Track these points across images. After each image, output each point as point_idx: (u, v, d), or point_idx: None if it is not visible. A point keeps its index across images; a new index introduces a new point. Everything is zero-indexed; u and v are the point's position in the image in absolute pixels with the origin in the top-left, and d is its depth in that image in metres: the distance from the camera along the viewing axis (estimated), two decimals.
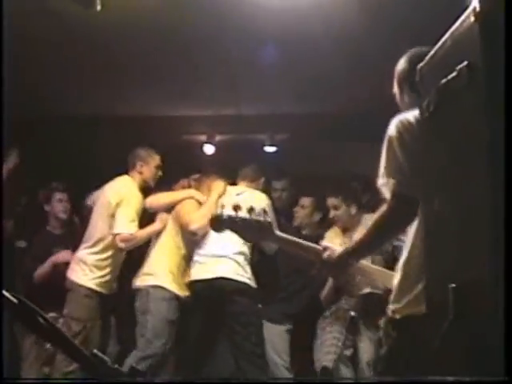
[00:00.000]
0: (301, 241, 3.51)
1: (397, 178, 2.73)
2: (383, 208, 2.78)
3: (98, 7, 4.03)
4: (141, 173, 6.15)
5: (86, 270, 5.93)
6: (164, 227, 6.07)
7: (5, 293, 1.21)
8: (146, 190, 6.22)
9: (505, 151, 1.78)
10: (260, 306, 5.94)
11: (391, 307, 2.91)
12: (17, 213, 6.85)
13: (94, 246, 5.97)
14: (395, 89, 3.18)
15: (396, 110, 3.01)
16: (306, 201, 6.52)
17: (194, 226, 5.79)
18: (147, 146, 6.33)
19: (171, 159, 6.46)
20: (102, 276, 5.94)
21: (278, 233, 3.46)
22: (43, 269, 6.26)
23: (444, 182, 2.19)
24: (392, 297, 2.92)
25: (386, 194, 2.79)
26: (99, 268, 5.94)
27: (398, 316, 2.86)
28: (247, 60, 6.06)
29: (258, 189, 6.27)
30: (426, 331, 2.27)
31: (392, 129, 2.78)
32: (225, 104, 7.56)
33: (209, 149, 8.21)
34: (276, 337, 6.15)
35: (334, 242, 5.08)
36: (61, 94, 7.02)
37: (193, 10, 5.26)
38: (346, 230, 5.90)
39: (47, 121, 7.57)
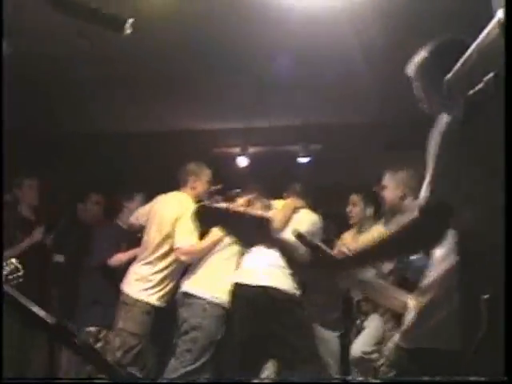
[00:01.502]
0: (302, 245, 2.88)
1: (433, 187, 2.51)
2: (412, 214, 2.54)
3: (128, 31, 4.07)
4: (194, 188, 6.05)
5: (146, 284, 5.92)
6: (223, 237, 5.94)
7: (41, 312, 1.25)
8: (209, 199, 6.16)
9: None
10: (307, 312, 5.93)
11: (405, 334, 2.75)
12: (56, 228, 6.95)
13: (152, 260, 5.96)
14: (416, 82, 3.00)
15: (428, 122, 2.95)
16: (355, 198, 6.48)
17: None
18: (199, 161, 6.22)
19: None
20: (161, 290, 5.92)
21: (277, 235, 2.93)
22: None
23: (477, 195, 2.15)
24: (407, 321, 2.75)
25: (420, 202, 2.57)
26: (158, 282, 5.93)
27: (411, 346, 2.70)
28: (278, 71, 6.09)
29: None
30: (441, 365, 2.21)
31: (430, 140, 2.68)
32: (257, 116, 7.59)
33: (242, 161, 8.23)
34: (329, 341, 6.24)
35: (348, 243, 5.13)
36: (92, 112, 7.13)
37: (220, 27, 5.31)
38: (360, 233, 5.99)
39: (83, 138, 7.69)
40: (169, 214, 5.95)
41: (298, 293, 5.73)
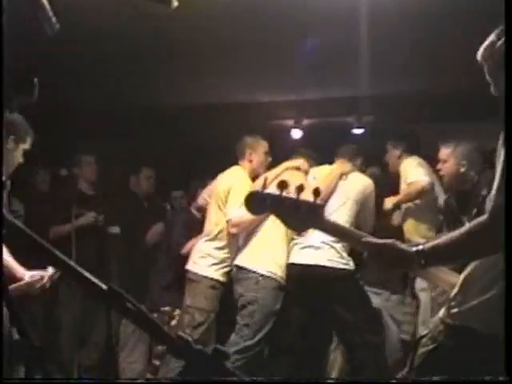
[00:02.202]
0: (354, 230, 2.93)
1: (503, 192, 2.38)
2: (482, 218, 2.43)
3: (175, 3, 4.09)
4: (251, 161, 6.06)
5: (210, 261, 6.00)
6: None
7: (94, 279, 1.29)
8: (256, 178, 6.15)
9: None
10: (363, 283, 5.94)
11: (449, 310, 2.73)
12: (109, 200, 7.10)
13: (213, 237, 6.03)
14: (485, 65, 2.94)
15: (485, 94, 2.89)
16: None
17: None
18: (254, 134, 6.21)
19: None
20: (225, 265, 6.00)
21: (329, 219, 2.84)
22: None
23: None
24: (453, 298, 2.73)
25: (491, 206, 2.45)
26: (221, 258, 6.00)
27: (455, 322, 2.70)
28: (331, 43, 6.07)
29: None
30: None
31: (499, 141, 2.56)
32: (310, 88, 7.57)
33: (296, 133, 8.23)
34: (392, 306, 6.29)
35: None
36: (151, 86, 7.21)
37: None
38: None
39: (142, 112, 7.78)
40: (222, 187, 5.98)
41: (352, 267, 5.67)
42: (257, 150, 6.10)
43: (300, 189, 2.65)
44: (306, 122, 8.29)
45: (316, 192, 2.69)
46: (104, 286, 1.29)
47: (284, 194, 2.65)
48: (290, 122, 8.31)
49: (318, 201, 2.67)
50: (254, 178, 6.05)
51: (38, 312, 6.52)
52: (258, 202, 2.71)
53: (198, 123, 8.17)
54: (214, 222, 6.04)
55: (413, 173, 6.38)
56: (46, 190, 7.45)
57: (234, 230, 5.86)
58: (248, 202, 2.73)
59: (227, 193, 5.89)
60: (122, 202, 7.20)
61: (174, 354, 1.34)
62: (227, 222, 5.87)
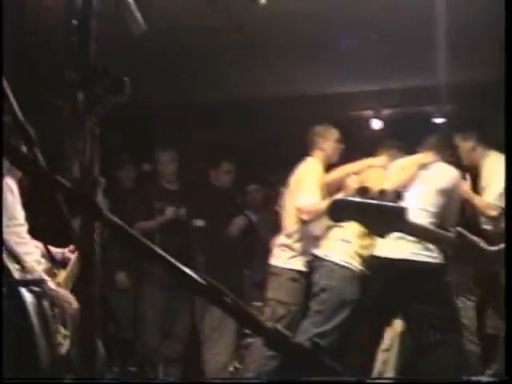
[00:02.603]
0: (437, 231, 2.92)
1: None
2: None
3: (263, 0, 4.08)
4: (322, 149, 6.06)
5: (290, 253, 6.02)
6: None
7: (193, 274, 1.31)
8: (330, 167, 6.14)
9: None
10: (449, 279, 5.82)
11: None
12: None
13: (291, 230, 6.04)
14: None
15: None
16: None
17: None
18: (324, 123, 6.23)
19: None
20: (304, 257, 5.99)
21: (412, 221, 2.75)
22: None
23: None
24: None
25: None
26: (300, 250, 6.00)
27: None
28: (409, 31, 6.01)
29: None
30: None
31: None
32: (390, 78, 7.51)
33: (376, 124, 8.17)
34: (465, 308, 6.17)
35: None
36: (227, 80, 7.26)
37: None
38: None
39: (219, 106, 7.84)
40: (294, 179, 6.00)
41: (437, 261, 5.52)
42: (327, 139, 6.11)
43: (382, 193, 2.62)
44: (385, 112, 8.23)
45: (398, 195, 2.66)
46: (202, 281, 1.31)
47: (366, 200, 2.61)
48: (370, 113, 8.27)
49: (401, 203, 2.63)
50: (327, 167, 6.07)
51: (124, 306, 6.67)
52: (341, 210, 2.66)
53: (276, 116, 8.18)
54: (289, 214, 6.04)
55: (496, 189, 5.89)
56: (130, 186, 7.58)
57: (305, 217, 5.86)
58: (331, 209, 2.68)
59: (298, 182, 5.92)
60: (204, 195, 7.28)
61: (272, 347, 1.35)
62: (298, 209, 5.88)
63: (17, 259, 2.00)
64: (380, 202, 2.59)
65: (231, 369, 6.87)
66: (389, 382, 5.55)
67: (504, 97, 2.75)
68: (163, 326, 6.96)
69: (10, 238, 4.03)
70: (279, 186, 6.77)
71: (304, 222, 5.92)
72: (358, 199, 2.60)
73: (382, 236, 2.79)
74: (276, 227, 6.35)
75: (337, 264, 5.73)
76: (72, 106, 1.75)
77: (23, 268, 1.98)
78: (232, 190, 7.51)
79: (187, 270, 1.33)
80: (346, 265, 5.73)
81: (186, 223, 7.00)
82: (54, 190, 1.66)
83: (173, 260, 1.33)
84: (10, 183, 4.03)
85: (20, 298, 1.87)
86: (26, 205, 4.01)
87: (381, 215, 2.60)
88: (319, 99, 7.91)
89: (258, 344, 5.83)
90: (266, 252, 6.34)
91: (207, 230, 6.95)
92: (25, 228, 4.18)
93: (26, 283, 1.93)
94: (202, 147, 8.33)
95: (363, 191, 2.60)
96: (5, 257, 1.98)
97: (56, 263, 4.34)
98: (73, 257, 4.45)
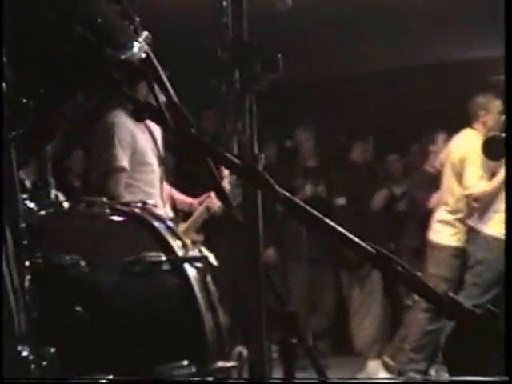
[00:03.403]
0: None
1: None
2: None
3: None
4: (484, 123, 5.80)
5: (451, 230, 5.95)
6: None
7: (363, 244, 1.32)
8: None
9: None
10: None
11: None
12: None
13: (453, 208, 5.94)
14: None
15: None
16: None
17: None
18: (487, 93, 5.96)
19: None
20: (465, 232, 5.92)
21: None
22: None
23: None
24: None
25: None
26: (461, 227, 5.92)
27: None
28: None
29: None
30: None
31: None
32: None
33: None
34: None
35: None
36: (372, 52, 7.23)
37: None
38: None
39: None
40: (457, 154, 5.82)
41: None
42: (490, 111, 5.82)
43: None
44: None
45: None
46: (372, 250, 1.32)
47: None
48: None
49: None
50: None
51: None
52: (496, 148, 2.62)
53: (417, 85, 8.06)
54: (452, 192, 5.92)
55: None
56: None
57: (475, 205, 5.73)
58: (486, 148, 2.71)
59: (463, 161, 5.72)
60: (343, 172, 7.27)
61: (444, 315, 1.34)
62: (468, 196, 5.74)
63: (178, 236, 2.06)
64: None
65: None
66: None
67: None
68: (310, 301, 7.02)
69: (139, 185, 4.06)
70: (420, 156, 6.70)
71: (473, 209, 5.79)
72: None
73: None
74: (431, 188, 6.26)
75: (492, 236, 5.63)
76: (229, 85, 1.79)
77: (184, 245, 2.04)
78: (372, 164, 7.47)
79: (357, 239, 1.34)
80: (502, 237, 5.58)
81: (326, 201, 7.01)
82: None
83: (343, 230, 1.34)
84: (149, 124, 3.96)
85: (185, 275, 1.92)
86: None
87: None
88: (461, 65, 7.73)
89: (418, 318, 5.89)
90: (422, 220, 6.33)
91: (349, 208, 6.94)
92: (157, 175, 4.18)
93: (189, 260, 1.98)
94: (341, 122, 8.32)
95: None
96: (167, 235, 2.03)
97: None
98: (200, 208, 4.54)
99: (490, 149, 2.70)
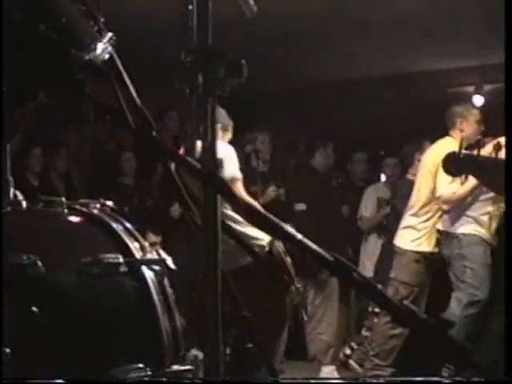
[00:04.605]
0: None
1: None
2: None
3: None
4: (461, 130, 5.82)
5: (414, 234, 5.99)
6: None
7: (321, 251, 1.33)
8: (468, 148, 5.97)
9: None
10: None
11: None
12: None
13: (417, 210, 5.98)
14: None
15: None
16: None
17: None
18: (464, 102, 6.11)
19: (440, 115, 6.37)
20: (429, 237, 5.95)
21: None
22: None
23: None
24: None
25: None
26: (426, 231, 5.96)
27: None
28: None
29: None
30: None
31: None
32: (492, 51, 7.34)
33: (478, 100, 8.00)
34: None
35: None
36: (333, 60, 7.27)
37: None
38: None
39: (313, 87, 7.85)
40: (431, 159, 5.85)
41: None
42: (468, 119, 5.91)
43: (498, 147, 2.54)
44: (487, 87, 8.05)
45: None
46: (330, 257, 1.33)
47: (482, 154, 2.54)
48: (471, 89, 8.10)
49: None
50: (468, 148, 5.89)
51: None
52: (455, 164, 2.66)
53: (377, 95, 8.13)
54: (420, 195, 5.98)
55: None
56: None
57: (445, 207, 5.80)
58: (446, 163, 2.71)
59: (436, 166, 5.76)
60: (303, 177, 7.30)
61: (398, 322, 1.36)
62: (437, 198, 5.79)
63: (136, 238, 2.05)
64: (496, 157, 2.51)
65: (348, 351, 6.89)
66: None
67: None
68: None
69: None
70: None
71: (443, 211, 5.87)
72: (472, 153, 2.56)
73: (498, 193, 2.66)
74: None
75: (463, 234, 5.71)
76: (192, 89, 1.79)
77: (142, 248, 2.04)
78: (332, 171, 7.52)
79: (315, 247, 1.35)
80: (473, 232, 5.69)
81: (288, 207, 7.00)
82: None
83: (300, 236, 1.35)
84: None
85: (142, 277, 1.92)
86: None
87: (496, 170, 2.48)
88: (421, 76, 7.81)
89: (380, 323, 6.00)
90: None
91: (309, 214, 6.94)
92: None
93: (147, 262, 1.98)
94: (302, 129, 8.36)
95: (479, 145, 2.61)
96: (125, 237, 2.03)
97: None
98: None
99: (450, 165, 2.73)
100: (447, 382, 1.83)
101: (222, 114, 4.78)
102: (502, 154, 2.50)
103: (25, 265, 1.72)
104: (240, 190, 4.63)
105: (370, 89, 8.03)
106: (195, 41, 1.88)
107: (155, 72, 5.63)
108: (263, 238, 4.80)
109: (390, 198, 7.17)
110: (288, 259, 4.91)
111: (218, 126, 4.59)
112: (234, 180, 4.59)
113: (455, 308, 5.60)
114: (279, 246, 4.84)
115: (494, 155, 2.56)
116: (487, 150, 2.57)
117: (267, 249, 4.87)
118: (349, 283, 1.38)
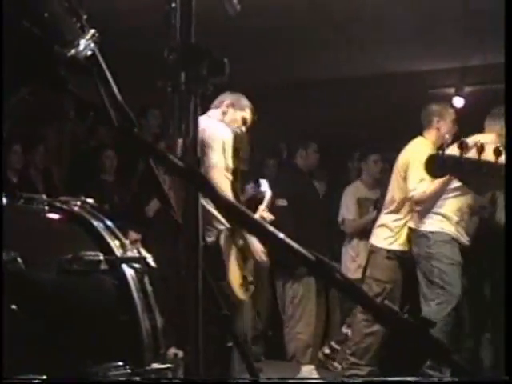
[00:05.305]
0: None
1: None
2: None
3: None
4: (438, 129, 5.85)
5: (386, 232, 6.04)
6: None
7: (303, 250, 1.33)
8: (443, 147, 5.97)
9: None
10: None
11: None
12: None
13: (391, 209, 6.03)
14: None
15: None
16: None
17: None
18: (441, 101, 6.13)
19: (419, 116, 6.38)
20: (402, 236, 5.99)
21: None
22: None
23: None
24: None
25: None
26: (398, 229, 6.00)
27: None
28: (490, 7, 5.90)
29: None
30: None
31: None
32: (472, 55, 7.38)
33: (458, 101, 8.04)
34: None
35: None
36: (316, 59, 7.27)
37: None
38: None
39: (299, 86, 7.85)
40: (402, 160, 5.91)
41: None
42: (445, 118, 5.92)
43: (481, 149, 2.49)
44: (467, 89, 8.10)
45: (497, 152, 2.49)
46: (311, 257, 1.33)
47: (464, 155, 2.50)
48: (451, 91, 8.14)
49: (500, 161, 2.47)
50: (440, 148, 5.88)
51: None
52: (437, 165, 2.60)
53: (356, 95, 8.14)
54: (392, 194, 6.02)
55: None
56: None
57: (417, 207, 5.83)
58: (428, 165, 2.63)
59: (406, 166, 5.81)
60: (286, 175, 7.31)
61: (380, 322, 1.37)
62: (410, 197, 5.80)
63: (117, 236, 2.05)
64: (477, 158, 2.47)
65: (327, 351, 6.91)
66: (365, 381, 5.50)
67: None
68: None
69: None
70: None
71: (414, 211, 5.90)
72: (454, 154, 2.50)
73: (480, 194, 2.67)
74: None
75: (432, 232, 5.72)
76: (174, 87, 1.79)
77: (122, 245, 2.03)
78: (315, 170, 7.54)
79: (296, 246, 1.35)
80: (442, 230, 5.71)
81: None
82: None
83: (282, 235, 1.36)
84: None
85: (123, 275, 1.91)
86: None
87: (478, 171, 2.47)
88: (400, 78, 7.83)
89: (357, 321, 6.05)
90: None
91: (290, 210, 6.95)
92: None
93: (128, 260, 1.97)
94: (284, 127, 8.36)
95: (461, 146, 2.49)
96: (106, 234, 2.02)
97: None
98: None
99: (432, 166, 2.64)
100: (447, 382, 1.83)
101: (237, 94, 4.97)
102: (485, 155, 2.50)
103: (4, 262, 1.71)
104: (220, 179, 4.51)
105: (352, 89, 8.05)
106: (178, 39, 1.88)
107: (138, 69, 5.60)
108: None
109: (377, 200, 7.16)
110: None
111: (227, 101, 4.80)
112: (214, 168, 4.47)
113: (425, 308, 5.64)
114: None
115: (476, 156, 2.51)
116: (470, 151, 2.55)
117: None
118: (330, 283, 1.38)
